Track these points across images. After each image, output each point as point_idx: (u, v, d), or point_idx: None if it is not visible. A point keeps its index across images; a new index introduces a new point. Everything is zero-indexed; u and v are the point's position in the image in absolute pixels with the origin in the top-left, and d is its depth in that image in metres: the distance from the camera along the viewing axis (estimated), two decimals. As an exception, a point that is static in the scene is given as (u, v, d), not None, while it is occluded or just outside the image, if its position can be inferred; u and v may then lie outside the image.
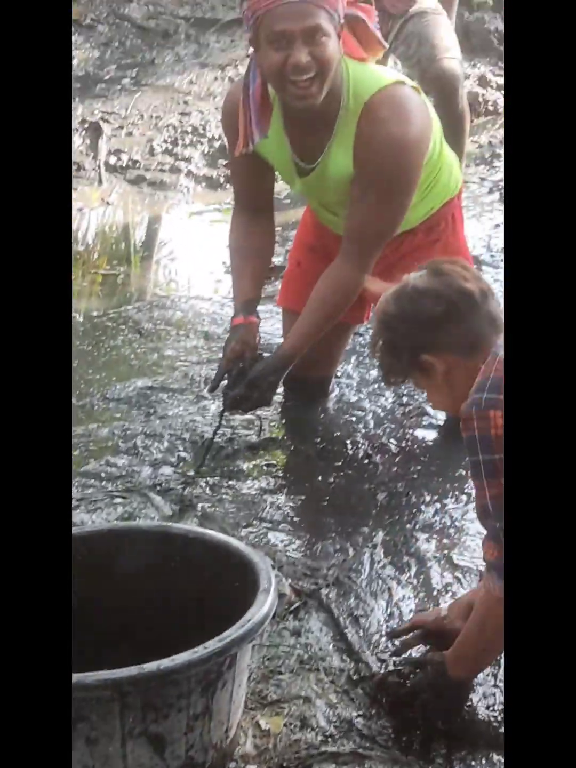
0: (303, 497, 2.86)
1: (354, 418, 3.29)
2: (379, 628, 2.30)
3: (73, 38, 7.31)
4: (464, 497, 2.85)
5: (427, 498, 2.84)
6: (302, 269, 3.27)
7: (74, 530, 2.21)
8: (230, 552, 2.02)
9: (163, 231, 5.72)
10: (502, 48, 7.32)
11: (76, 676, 1.63)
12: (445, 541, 2.65)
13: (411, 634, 2.18)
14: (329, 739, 1.92)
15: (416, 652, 2.15)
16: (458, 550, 2.60)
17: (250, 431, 3.20)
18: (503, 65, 6.88)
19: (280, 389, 3.14)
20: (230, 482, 2.93)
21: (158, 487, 2.89)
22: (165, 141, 6.22)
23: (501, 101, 6.96)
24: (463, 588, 2.43)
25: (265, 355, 3.07)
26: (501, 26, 7.44)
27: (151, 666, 1.66)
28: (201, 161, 6.10)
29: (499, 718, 1.99)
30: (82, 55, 7.34)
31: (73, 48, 7.30)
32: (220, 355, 3.78)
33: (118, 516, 2.74)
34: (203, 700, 1.74)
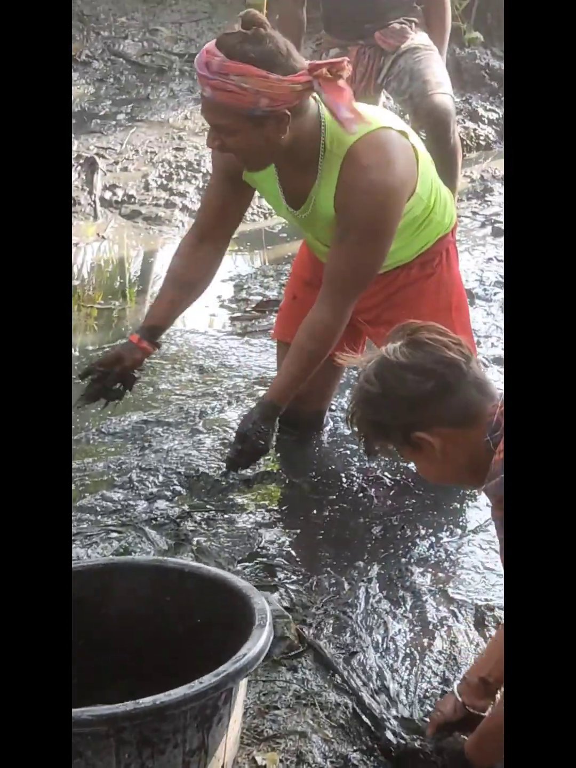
0: (298, 531, 2.86)
1: (348, 452, 3.29)
2: (376, 663, 2.30)
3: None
4: (459, 531, 2.85)
5: (422, 531, 2.85)
6: (298, 302, 3.27)
7: (72, 564, 2.21)
8: (226, 587, 2.02)
9: (157, 265, 5.74)
10: (494, 83, 7.39)
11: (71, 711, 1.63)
12: (440, 574, 2.66)
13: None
14: (325, 775, 1.92)
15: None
16: (453, 584, 2.60)
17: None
18: (503, 96, 6.95)
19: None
20: (226, 516, 2.93)
21: (154, 521, 2.89)
22: (160, 176, 6.26)
23: (493, 136, 7.02)
24: (458, 622, 2.43)
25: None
26: (492, 62, 7.50)
27: (146, 701, 1.66)
28: (195, 196, 6.12)
29: None
30: (78, 91, 7.39)
31: (68, 84, 7.36)
32: (216, 388, 3.83)
33: (113, 550, 2.74)
34: (199, 735, 1.74)
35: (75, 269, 5.70)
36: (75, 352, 3.87)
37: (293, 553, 2.75)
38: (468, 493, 2.97)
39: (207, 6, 8.13)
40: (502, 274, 4.50)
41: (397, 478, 3.12)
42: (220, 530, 2.86)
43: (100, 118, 6.80)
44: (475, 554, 2.73)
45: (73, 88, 7.52)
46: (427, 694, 2.21)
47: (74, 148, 6.45)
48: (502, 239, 5.01)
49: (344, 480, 3.13)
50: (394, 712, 2.12)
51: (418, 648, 2.36)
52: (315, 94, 2.70)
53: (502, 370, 3.40)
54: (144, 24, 7.79)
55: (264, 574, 2.63)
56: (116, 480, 3.13)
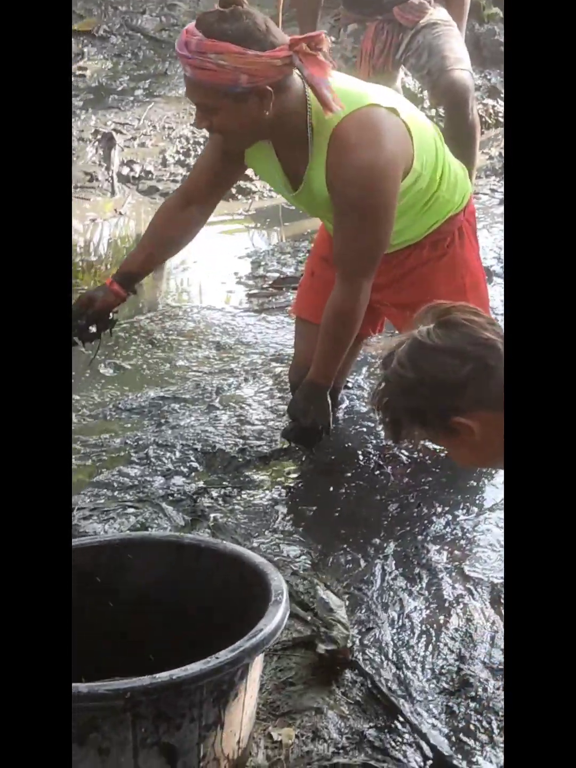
0: (314, 508, 2.86)
1: (365, 429, 3.29)
2: (392, 639, 2.30)
3: (86, 50, 7.34)
4: (475, 508, 2.85)
5: (439, 509, 2.84)
6: (316, 278, 3.29)
7: (87, 540, 2.22)
8: (242, 562, 2.02)
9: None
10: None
11: (88, 686, 1.65)
12: (456, 552, 2.65)
13: None
14: (341, 751, 1.92)
15: None
16: (469, 562, 2.60)
17: (261, 442, 3.21)
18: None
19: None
20: (242, 493, 2.94)
21: (170, 497, 2.90)
22: (177, 152, 6.24)
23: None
24: (474, 599, 2.43)
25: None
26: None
27: (163, 676, 1.66)
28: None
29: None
30: (96, 66, 7.37)
31: (86, 59, 7.33)
32: (232, 365, 3.83)
33: (130, 526, 2.74)
34: (215, 711, 1.74)
35: (92, 245, 5.71)
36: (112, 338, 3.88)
37: (309, 530, 2.75)
38: (485, 470, 2.96)
39: (225, -19, 8.08)
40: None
41: (414, 455, 3.12)
42: (236, 507, 2.87)
43: (118, 94, 6.78)
44: (491, 532, 2.72)
45: (90, 62, 7.50)
46: (442, 671, 2.21)
47: (92, 123, 6.44)
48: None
49: (361, 457, 3.13)
50: (409, 689, 2.13)
51: (434, 625, 2.36)
52: (299, 72, 2.68)
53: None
54: (162, -1, 7.75)
55: (280, 551, 2.63)
56: (133, 456, 3.14)
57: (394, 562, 2.59)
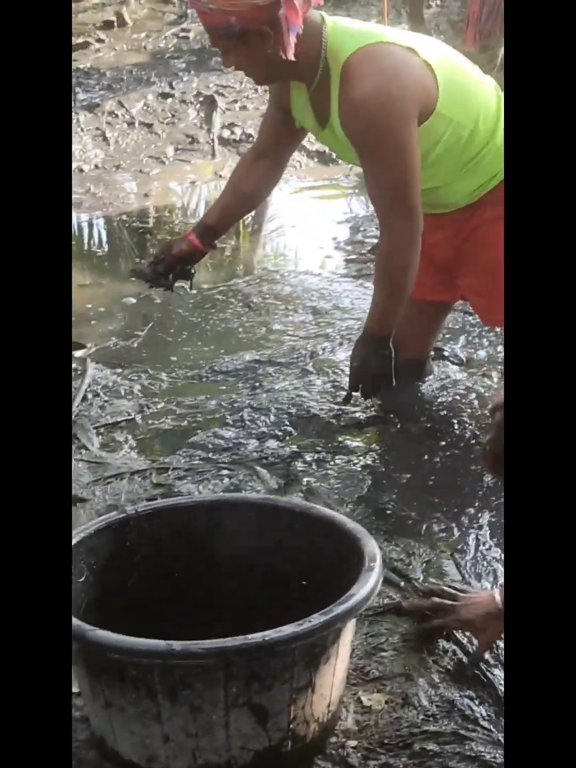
0: (408, 476, 2.84)
1: (459, 397, 3.26)
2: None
3: (189, 12, 7.34)
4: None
5: (535, 481, 2.80)
6: None
7: (182, 500, 2.24)
8: (336, 528, 2.02)
9: (273, 205, 5.73)
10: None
11: (182, 644, 1.66)
12: (552, 524, 2.61)
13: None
14: (431, 719, 1.91)
15: None
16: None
17: (356, 408, 3.20)
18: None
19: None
20: (336, 458, 2.93)
21: (264, 460, 2.90)
22: (278, 115, 6.21)
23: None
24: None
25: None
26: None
27: (256, 637, 1.67)
28: (313, 136, 6.08)
29: None
30: (198, 28, 7.37)
31: (189, 21, 7.33)
32: (328, 330, 3.82)
33: (224, 487, 2.76)
34: (307, 674, 1.74)
35: (191, 207, 5.73)
36: (192, 291, 3.90)
37: (403, 497, 2.73)
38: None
39: (330, -58, 8.00)
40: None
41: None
42: (329, 472, 2.86)
43: (220, 57, 6.78)
44: (589, 506, 2.68)
45: (193, 25, 7.50)
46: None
47: (194, 85, 6.45)
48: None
49: (456, 426, 3.10)
50: (501, 659, 2.11)
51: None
52: (322, 14, 2.74)
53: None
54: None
55: (373, 518, 2.62)
56: (228, 418, 3.16)
57: (488, 532, 2.56)
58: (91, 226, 5.42)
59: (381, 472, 2.87)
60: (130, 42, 7.66)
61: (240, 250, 5.06)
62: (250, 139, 6.05)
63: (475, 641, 2.08)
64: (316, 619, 1.71)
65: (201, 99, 6.32)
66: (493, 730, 1.88)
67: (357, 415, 3.16)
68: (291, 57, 2.66)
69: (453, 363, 3.51)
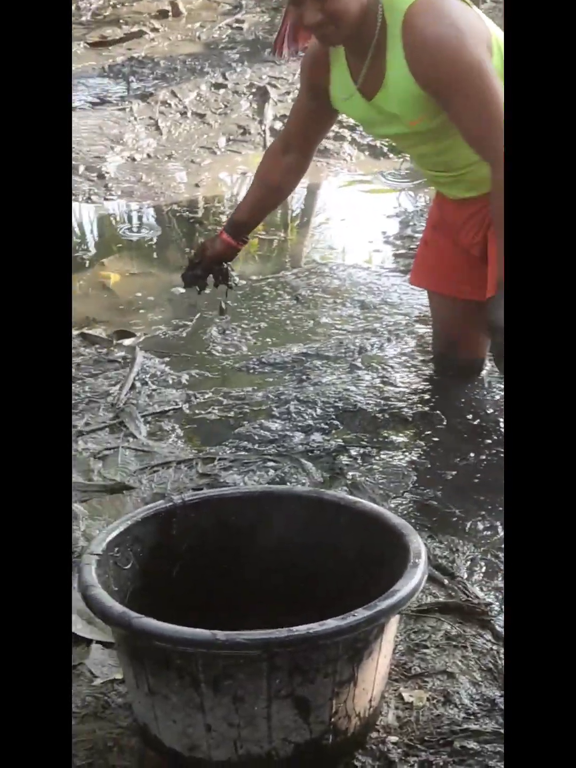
0: (454, 473, 2.83)
1: (509, 396, 3.24)
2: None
3: (244, 2, 7.34)
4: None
5: (582, 482, 2.78)
6: (429, 246, 3.30)
7: (228, 490, 2.24)
8: (381, 523, 2.01)
9: (322, 198, 5.73)
10: None
11: (226, 634, 1.66)
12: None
13: None
14: (472, 717, 1.91)
15: None
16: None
17: (402, 403, 3.20)
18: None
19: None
20: (381, 453, 2.93)
21: (310, 453, 2.91)
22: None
23: None
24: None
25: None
26: None
27: (300, 629, 1.67)
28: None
29: None
30: (252, 19, 7.37)
31: (244, 12, 7.33)
32: (376, 324, 3.81)
33: (269, 479, 2.77)
34: (349, 668, 1.75)
35: (241, 197, 5.72)
36: (242, 281, 3.91)
37: (448, 494, 2.72)
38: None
39: None
40: None
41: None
42: (374, 466, 2.86)
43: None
44: None
45: (247, 16, 7.50)
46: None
47: (247, 77, 6.45)
48: None
49: (503, 424, 3.08)
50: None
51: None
52: None
53: None
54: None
55: (418, 514, 2.62)
56: (274, 410, 3.16)
57: (533, 532, 2.55)
58: (141, 215, 5.44)
59: (426, 469, 2.86)
60: (184, 32, 7.68)
61: (288, 242, 5.05)
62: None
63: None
64: (360, 613, 1.72)
65: (253, 90, 6.32)
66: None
67: (404, 410, 3.15)
68: None
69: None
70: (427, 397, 3.25)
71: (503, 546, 2.46)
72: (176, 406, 3.23)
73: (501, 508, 2.64)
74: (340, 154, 5.98)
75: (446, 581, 2.33)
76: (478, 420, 3.11)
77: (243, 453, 2.92)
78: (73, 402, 3.25)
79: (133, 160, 5.91)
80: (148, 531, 2.03)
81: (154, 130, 6.24)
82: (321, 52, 2.91)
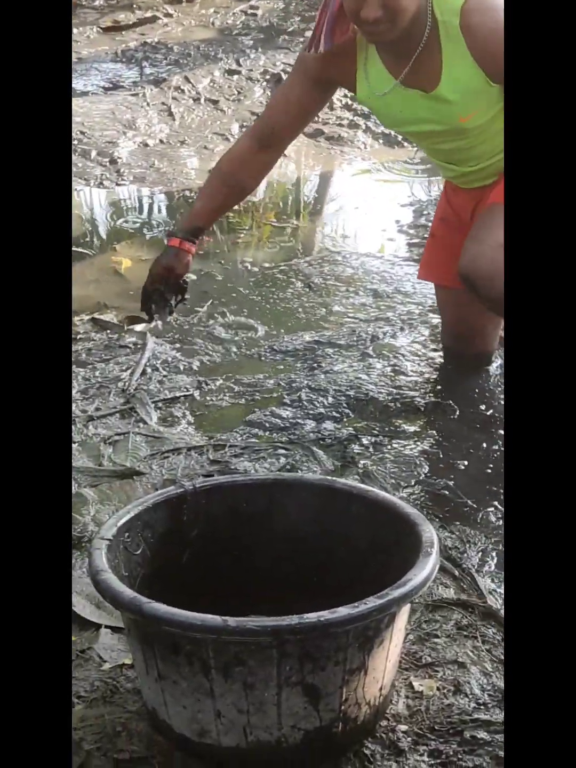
0: (466, 463, 2.82)
1: (521, 387, 3.22)
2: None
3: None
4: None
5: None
6: (437, 241, 3.27)
7: (239, 478, 2.24)
8: (393, 512, 2.00)
9: (335, 186, 5.71)
10: None
11: (236, 620, 1.66)
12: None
13: None
14: (482, 707, 1.90)
15: None
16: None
17: (415, 393, 3.18)
18: None
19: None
20: (393, 442, 2.92)
21: (321, 442, 2.90)
22: (345, 95, 6.18)
23: None
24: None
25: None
26: None
27: (311, 617, 1.66)
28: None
29: None
30: (267, 6, 7.35)
31: (258, -1, 7.30)
32: (389, 313, 3.80)
33: (280, 466, 2.76)
34: (360, 656, 1.74)
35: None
36: (254, 268, 3.89)
37: (460, 484, 2.71)
38: None
39: None
40: None
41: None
42: (386, 455, 2.85)
43: (288, 34, 6.76)
44: None
45: (261, 2, 7.48)
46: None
47: (261, 63, 6.43)
48: None
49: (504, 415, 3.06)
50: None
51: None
52: None
53: None
54: None
55: (429, 503, 2.61)
56: (286, 398, 3.15)
57: (545, 523, 2.53)
58: (152, 200, 5.43)
59: (438, 458, 2.85)
60: (197, 17, 7.65)
61: (301, 229, 5.04)
62: (316, 119, 6.03)
63: None
64: (372, 601, 1.71)
65: (267, 77, 6.30)
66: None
67: (416, 399, 3.14)
68: None
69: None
70: (439, 386, 3.24)
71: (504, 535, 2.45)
72: (187, 393, 3.23)
73: (513, 499, 2.63)
74: (354, 142, 5.96)
75: (456, 572, 2.31)
76: (491, 410, 3.10)
77: (254, 440, 2.91)
78: (83, 387, 3.24)
79: (146, 145, 5.89)
80: (159, 517, 2.03)
81: (167, 115, 6.23)
82: (349, 48, 2.88)
